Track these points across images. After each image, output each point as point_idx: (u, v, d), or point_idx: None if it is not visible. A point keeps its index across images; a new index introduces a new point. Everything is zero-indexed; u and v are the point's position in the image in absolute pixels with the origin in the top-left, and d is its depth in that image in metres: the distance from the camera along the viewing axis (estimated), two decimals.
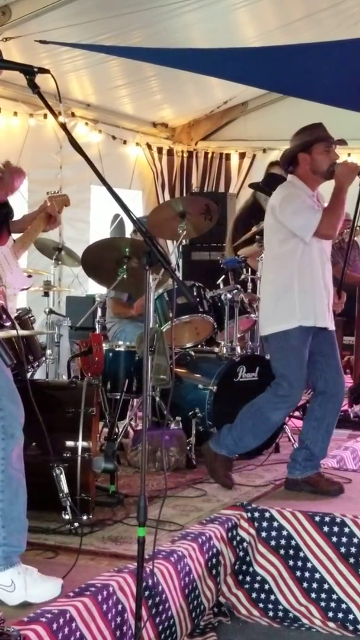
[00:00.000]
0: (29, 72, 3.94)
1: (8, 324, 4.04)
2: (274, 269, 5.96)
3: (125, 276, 6.59)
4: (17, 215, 4.60)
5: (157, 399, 6.89)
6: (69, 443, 5.20)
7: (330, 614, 5.00)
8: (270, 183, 7.60)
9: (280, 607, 5.10)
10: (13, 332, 4.47)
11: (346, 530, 5.04)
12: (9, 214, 4.44)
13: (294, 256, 5.81)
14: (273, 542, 5.18)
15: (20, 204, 9.60)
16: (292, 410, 6.04)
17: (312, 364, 5.94)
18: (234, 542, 5.13)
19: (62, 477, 4.97)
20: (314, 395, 6.00)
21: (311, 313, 5.81)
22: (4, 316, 4.00)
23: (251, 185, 9.12)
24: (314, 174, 5.90)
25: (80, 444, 5.19)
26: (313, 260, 5.83)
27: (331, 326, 5.95)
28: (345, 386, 6.06)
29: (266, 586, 5.14)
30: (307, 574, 5.10)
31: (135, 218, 3.89)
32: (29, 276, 4.57)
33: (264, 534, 5.19)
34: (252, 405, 5.99)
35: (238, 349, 7.23)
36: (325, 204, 5.90)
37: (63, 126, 4.16)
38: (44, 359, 7.35)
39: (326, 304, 5.89)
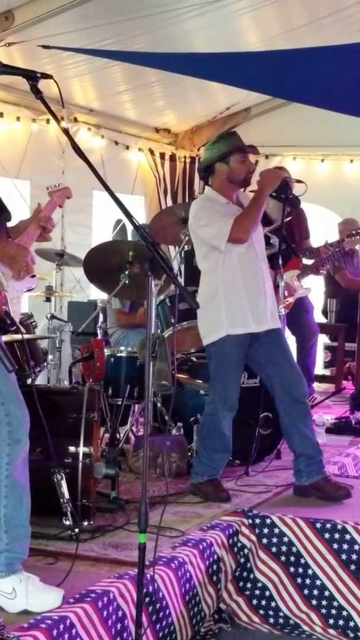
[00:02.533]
0: (32, 77, 3.95)
1: (13, 328, 4.03)
2: (203, 281, 6.10)
3: (127, 282, 6.59)
4: (15, 222, 4.56)
5: (159, 404, 6.89)
6: (70, 449, 5.20)
7: (331, 621, 4.99)
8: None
9: (281, 614, 5.09)
10: (15, 336, 4.46)
11: (347, 537, 5.03)
12: (7, 217, 4.41)
13: (216, 267, 5.93)
14: (274, 549, 5.17)
15: (22, 208, 9.61)
16: (234, 414, 6.05)
17: (263, 371, 6.08)
18: (235, 549, 5.13)
19: (63, 483, 4.96)
20: (276, 404, 6.03)
21: (239, 320, 5.91)
22: (8, 321, 3.99)
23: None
24: (231, 182, 6.02)
25: (82, 449, 5.19)
26: (235, 267, 5.91)
27: (273, 325, 6.01)
28: (304, 383, 6.07)
29: (267, 593, 5.13)
30: (308, 581, 5.09)
31: (137, 224, 3.89)
32: (33, 276, 4.54)
33: (264, 541, 5.18)
34: (202, 426, 6.14)
35: None
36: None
37: (65, 131, 4.17)
38: (45, 364, 7.35)
39: (262, 307, 5.96)
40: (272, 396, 6.07)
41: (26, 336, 6.50)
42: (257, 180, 6.01)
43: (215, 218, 5.88)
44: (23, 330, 4.34)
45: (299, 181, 6.15)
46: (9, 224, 4.49)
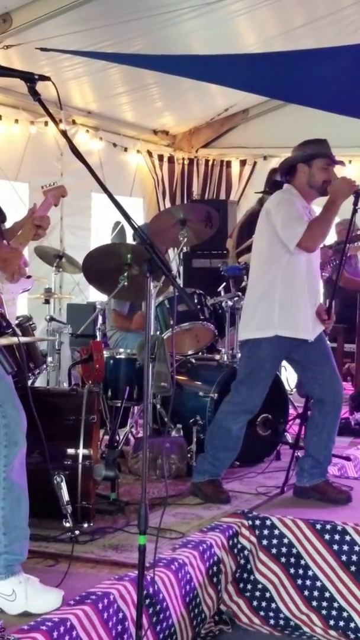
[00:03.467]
0: (30, 79, 3.94)
1: (9, 330, 4.02)
2: (260, 275, 5.97)
3: (126, 284, 6.58)
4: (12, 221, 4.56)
5: (158, 406, 6.89)
6: (70, 451, 5.19)
7: (332, 622, 4.99)
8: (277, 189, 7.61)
9: (282, 615, 5.09)
10: (14, 339, 4.45)
11: (347, 538, 5.03)
12: (2, 219, 4.41)
13: (279, 264, 5.83)
14: (274, 550, 5.17)
15: (20, 211, 9.60)
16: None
17: (304, 373, 6.01)
18: (235, 550, 5.13)
19: (63, 485, 4.95)
20: (313, 404, 6.02)
21: (291, 324, 5.83)
22: (4, 323, 3.98)
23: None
24: (310, 187, 5.95)
25: (81, 451, 5.18)
26: (298, 271, 5.84)
27: (313, 336, 5.91)
28: (343, 391, 6.06)
29: (267, 594, 5.13)
30: (308, 582, 5.09)
31: (136, 225, 3.89)
32: (29, 277, 4.53)
33: (265, 542, 5.19)
34: (214, 423, 6.08)
35: (239, 356, 7.22)
36: None
37: (64, 133, 4.16)
38: (44, 366, 7.34)
39: (310, 316, 5.89)
40: (309, 395, 6.04)
41: (25, 339, 6.51)
42: (329, 188, 5.92)
43: (295, 217, 5.79)
44: (19, 332, 4.33)
45: None
46: (4, 226, 4.49)
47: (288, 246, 5.74)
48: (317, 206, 5.99)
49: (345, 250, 6.30)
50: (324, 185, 5.89)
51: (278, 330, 5.80)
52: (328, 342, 6.07)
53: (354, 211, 5.95)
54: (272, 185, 8.17)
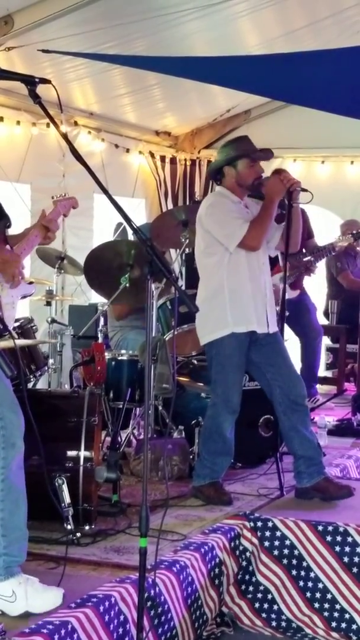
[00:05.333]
0: (30, 82, 3.96)
1: (6, 333, 4.03)
2: (204, 278, 6.10)
3: (127, 285, 6.58)
4: (16, 225, 4.56)
5: (160, 407, 6.89)
6: (71, 453, 5.20)
7: (334, 624, 4.99)
8: None
9: (284, 617, 5.09)
10: (17, 342, 4.45)
11: (349, 539, 5.03)
12: (6, 223, 4.42)
13: (221, 264, 5.95)
14: (276, 552, 5.17)
15: (22, 212, 9.61)
16: (236, 416, 6.05)
17: (262, 375, 6.07)
18: (237, 552, 5.13)
19: (64, 487, 4.96)
20: (275, 407, 6.03)
21: (243, 319, 5.94)
22: (1, 326, 3.99)
23: None
24: (240, 186, 6.06)
25: (83, 453, 5.19)
26: (240, 267, 5.94)
27: (272, 329, 6.03)
28: (304, 389, 6.07)
29: (269, 596, 5.13)
30: (310, 584, 5.09)
31: (136, 227, 3.89)
32: (30, 283, 4.54)
33: (266, 544, 5.19)
34: (204, 429, 6.14)
35: None
36: (255, 212, 6.04)
37: (64, 136, 4.17)
38: (46, 368, 7.34)
39: (263, 309, 6.00)
40: (271, 399, 6.07)
41: (26, 341, 6.51)
42: (264, 188, 6.01)
43: (229, 217, 5.92)
44: (15, 335, 4.34)
45: (304, 190, 6.14)
46: (11, 231, 4.50)
47: (228, 247, 5.89)
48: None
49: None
50: (255, 183, 6.04)
51: (233, 327, 5.93)
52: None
53: (289, 206, 6.02)
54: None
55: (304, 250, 9.15)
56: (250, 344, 5.99)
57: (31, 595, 3.97)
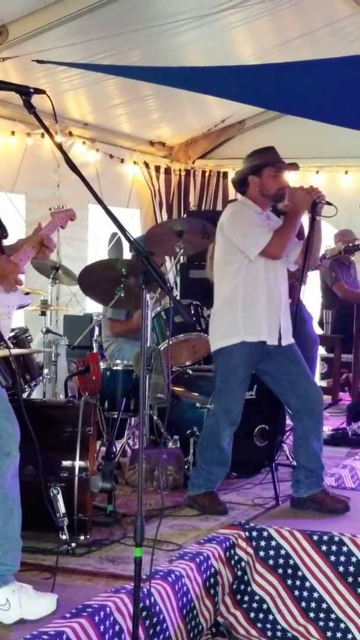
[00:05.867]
0: (25, 92, 3.97)
1: (1, 343, 4.04)
2: (220, 286, 6.10)
3: (122, 294, 6.59)
4: (11, 236, 4.57)
5: (155, 417, 6.89)
6: (66, 463, 5.19)
7: (329, 634, 4.97)
8: None
9: (279, 626, 5.07)
10: (12, 351, 4.46)
11: (344, 549, 5.02)
12: (3, 234, 4.44)
13: (238, 273, 5.96)
14: (271, 562, 5.16)
15: (17, 222, 9.62)
16: (235, 428, 6.06)
17: (278, 385, 6.07)
18: (232, 562, 5.11)
19: (59, 497, 4.96)
20: (292, 415, 6.06)
21: (255, 328, 5.94)
22: None
23: None
24: (263, 196, 6.08)
25: (78, 463, 5.19)
26: (257, 277, 5.95)
27: (285, 342, 6.03)
28: (322, 398, 6.10)
29: (264, 606, 5.12)
30: (305, 594, 5.08)
31: (131, 238, 3.90)
32: (27, 294, 4.55)
33: (262, 553, 5.17)
34: (202, 438, 6.14)
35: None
36: (276, 225, 6.07)
37: (59, 146, 4.18)
38: (41, 378, 7.34)
39: (277, 321, 5.99)
40: (287, 407, 6.07)
41: (21, 350, 6.50)
42: (289, 200, 6.03)
43: (252, 226, 5.93)
44: (11, 345, 4.34)
45: (329, 203, 6.15)
46: (7, 242, 4.51)
47: (248, 255, 5.90)
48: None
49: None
50: (278, 193, 6.06)
51: (244, 336, 5.92)
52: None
53: (313, 219, 6.03)
54: None
55: None
56: (262, 357, 5.98)
57: (25, 603, 3.98)
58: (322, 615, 5.02)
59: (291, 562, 5.13)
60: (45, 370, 8.02)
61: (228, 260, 5.99)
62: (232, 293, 5.96)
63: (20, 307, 4.50)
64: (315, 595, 5.05)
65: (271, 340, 5.95)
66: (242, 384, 6.03)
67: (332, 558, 5.04)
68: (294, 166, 6.25)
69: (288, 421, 7.36)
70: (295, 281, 9.24)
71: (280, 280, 6.07)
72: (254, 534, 5.21)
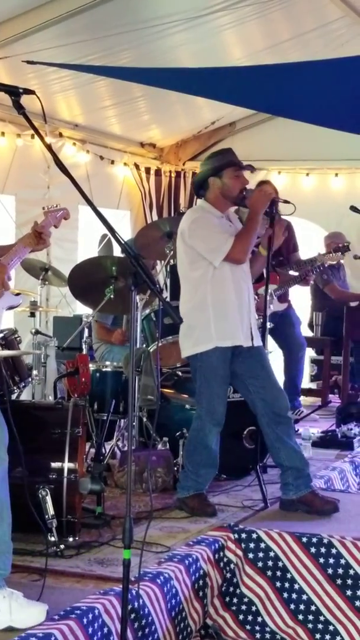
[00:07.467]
0: (14, 92, 3.95)
1: None
2: (188, 291, 6.09)
3: (112, 296, 6.58)
4: (2, 236, 4.56)
5: (144, 419, 6.88)
6: (55, 464, 5.18)
7: (318, 636, 4.97)
8: None
9: (268, 629, 5.07)
10: (0, 353, 4.45)
11: (333, 551, 5.01)
12: None
13: (205, 279, 5.96)
14: (260, 564, 5.16)
15: (7, 224, 9.60)
16: (220, 429, 6.05)
17: (245, 388, 6.08)
18: (221, 564, 5.11)
19: (48, 499, 4.94)
20: (259, 419, 6.04)
21: (228, 334, 5.95)
22: None
23: None
24: (224, 198, 6.09)
25: (67, 465, 5.17)
26: (225, 282, 5.96)
27: (256, 342, 6.06)
28: (285, 397, 6.09)
29: (253, 608, 5.11)
30: (294, 596, 5.07)
31: (121, 239, 3.89)
32: (17, 294, 4.54)
33: (251, 556, 5.17)
34: (189, 441, 6.14)
35: None
36: (238, 225, 6.11)
37: (49, 147, 4.16)
38: (30, 379, 7.33)
39: (247, 322, 6.02)
40: (255, 412, 6.07)
41: (10, 352, 6.49)
42: (247, 202, 6.04)
43: (213, 232, 5.94)
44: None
45: (286, 201, 6.19)
46: None
47: (213, 262, 5.91)
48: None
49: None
50: (240, 195, 6.05)
51: (217, 342, 5.93)
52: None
53: (272, 218, 6.07)
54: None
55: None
56: (233, 357, 5.99)
57: (15, 610, 3.95)
58: (310, 617, 5.01)
59: (280, 564, 5.12)
60: (35, 372, 8.02)
61: (193, 267, 6.00)
62: (202, 299, 5.97)
63: (10, 308, 4.49)
64: (304, 597, 5.04)
65: (246, 342, 5.99)
66: (223, 383, 6.03)
67: (321, 560, 5.03)
68: (250, 167, 6.29)
69: None
70: (301, 282, 9.28)
71: (247, 280, 6.12)
72: (243, 536, 5.20)
